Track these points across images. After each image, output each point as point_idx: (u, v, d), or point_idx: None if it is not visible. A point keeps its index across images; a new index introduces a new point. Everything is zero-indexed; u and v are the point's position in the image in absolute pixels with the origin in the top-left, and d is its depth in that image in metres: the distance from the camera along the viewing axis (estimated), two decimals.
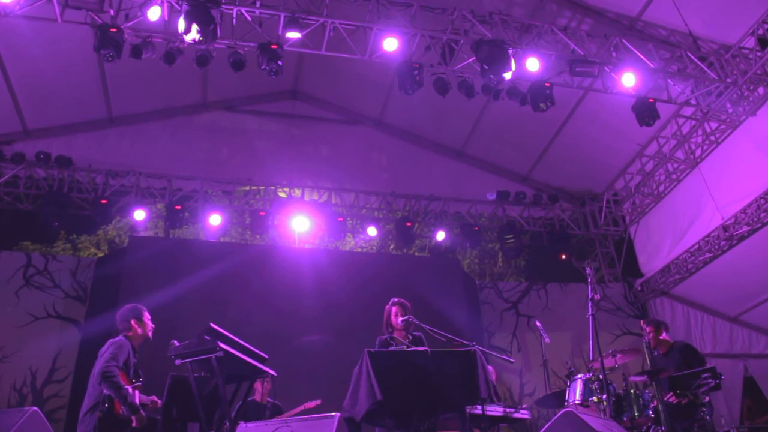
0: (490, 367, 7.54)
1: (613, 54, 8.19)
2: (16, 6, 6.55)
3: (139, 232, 13.30)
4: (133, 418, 4.58)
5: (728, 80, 8.32)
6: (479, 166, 11.78)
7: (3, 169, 9.50)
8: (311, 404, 7.05)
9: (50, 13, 6.72)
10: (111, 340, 4.96)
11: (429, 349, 4.68)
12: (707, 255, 9.66)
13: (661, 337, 6.38)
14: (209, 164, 10.67)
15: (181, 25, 6.54)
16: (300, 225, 10.37)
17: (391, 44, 7.43)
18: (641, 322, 6.62)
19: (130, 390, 4.70)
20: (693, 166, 9.76)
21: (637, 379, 5.80)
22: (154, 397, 4.97)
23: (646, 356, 5.47)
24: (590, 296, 5.50)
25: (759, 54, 8.09)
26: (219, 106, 11.07)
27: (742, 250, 9.21)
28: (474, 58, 7.61)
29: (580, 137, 10.47)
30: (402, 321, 5.43)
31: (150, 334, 5.21)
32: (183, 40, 6.83)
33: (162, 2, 6.75)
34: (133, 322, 5.11)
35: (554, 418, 4.16)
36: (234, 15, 7.13)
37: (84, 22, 6.96)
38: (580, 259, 11.04)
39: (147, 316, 5.23)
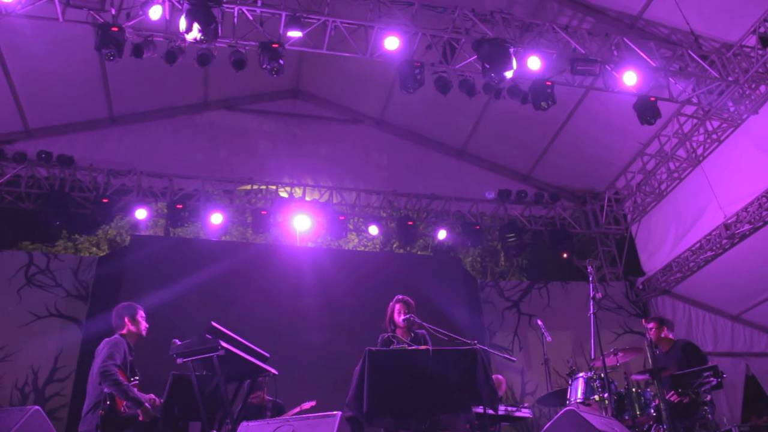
0: (500, 377, 7.55)
1: (615, 53, 8.18)
2: (18, 5, 6.56)
3: (141, 231, 13.30)
4: (139, 411, 4.59)
5: (730, 79, 8.31)
6: (480, 165, 11.78)
7: (4, 169, 9.51)
8: (307, 405, 7.04)
9: (51, 12, 6.73)
10: (107, 339, 4.96)
11: (430, 348, 4.67)
12: (709, 253, 9.66)
13: (662, 335, 6.37)
14: (210, 163, 10.68)
15: (183, 24, 6.55)
16: (301, 224, 10.38)
17: (392, 43, 7.44)
18: (643, 320, 6.61)
19: (130, 386, 4.70)
20: (695, 164, 9.75)
21: (639, 377, 5.80)
22: (153, 396, 4.97)
23: (648, 355, 5.46)
24: (591, 295, 5.50)
25: (760, 52, 8.07)
26: (220, 105, 11.08)
27: (743, 249, 9.21)
28: (475, 56, 7.61)
29: (581, 136, 10.47)
30: (404, 319, 5.42)
31: (144, 332, 5.19)
32: (184, 39, 6.83)
33: (163, 1, 6.75)
34: (126, 319, 5.11)
35: (556, 417, 4.16)
36: (235, 14, 7.14)
37: (85, 21, 6.97)
38: (582, 258, 11.04)
39: (141, 315, 5.22)
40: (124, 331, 5.08)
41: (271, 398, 7.13)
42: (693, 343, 6.46)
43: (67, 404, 8.38)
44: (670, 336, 6.43)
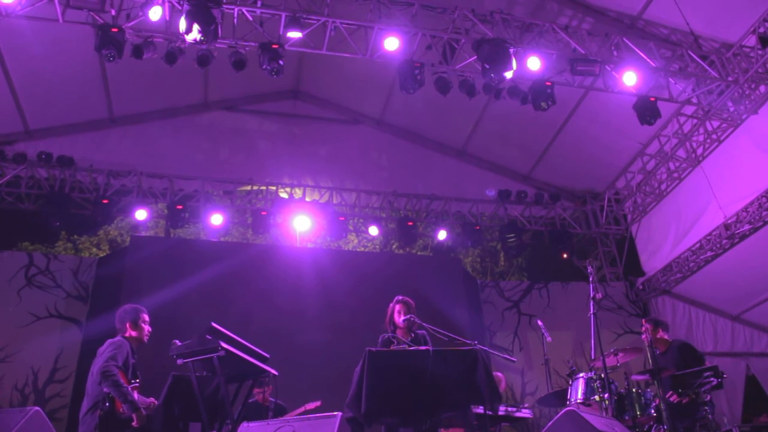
0: (500, 374, 7.56)
1: (614, 53, 8.19)
2: (18, 6, 6.56)
3: (141, 232, 13.29)
4: (134, 416, 4.57)
5: (729, 79, 8.31)
6: (480, 165, 11.78)
7: (5, 169, 9.51)
8: (311, 405, 7.04)
9: (51, 13, 6.73)
10: (110, 340, 4.94)
11: (431, 348, 4.67)
12: (709, 254, 9.66)
13: (658, 336, 6.38)
14: (210, 164, 10.68)
15: (182, 24, 6.54)
16: (301, 224, 10.38)
17: (392, 43, 7.44)
18: (643, 320, 6.62)
19: (130, 389, 4.69)
20: (695, 164, 9.75)
21: (639, 377, 5.81)
22: (153, 399, 4.96)
23: (648, 355, 5.47)
24: (592, 295, 5.50)
25: (760, 52, 8.07)
26: (220, 106, 11.08)
27: (743, 249, 9.21)
28: (475, 57, 7.61)
29: (581, 136, 10.47)
30: (404, 320, 5.41)
31: (145, 338, 5.13)
32: (184, 40, 6.83)
33: (163, 2, 6.75)
34: (128, 324, 5.06)
35: (556, 417, 4.17)
36: (235, 15, 7.14)
37: (85, 22, 6.97)
38: (582, 258, 11.04)
39: (145, 319, 5.15)
40: (126, 335, 5.05)
41: (273, 399, 7.12)
42: (689, 344, 6.47)
43: (67, 405, 8.37)
44: (666, 337, 6.44)
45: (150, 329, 5.20)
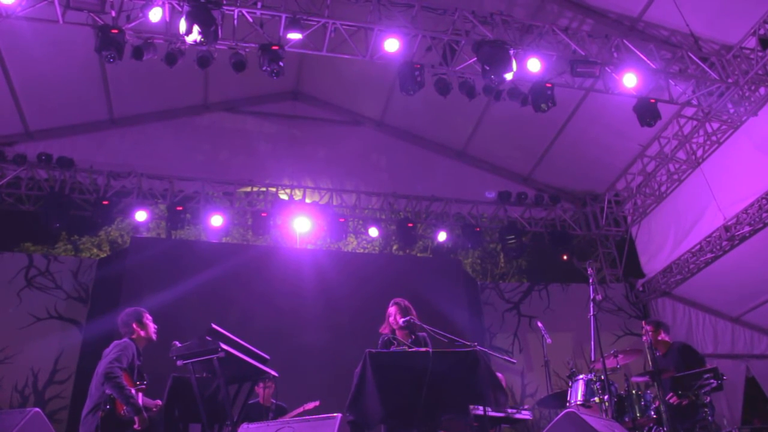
0: (500, 374, 7.57)
1: (614, 54, 8.18)
2: (18, 7, 6.56)
3: (141, 233, 13.31)
4: (136, 419, 4.58)
5: (729, 80, 8.31)
6: (480, 166, 11.77)
7: (5, 171, 9.51)
8: (310, 405, 7.04)
9: (51, 14, 6.74)
10: (116, 341, 4.96)
11: (430, 350, 4.67)
12: (709, 255, 9.65)
13: (659, 338, 6.38)
14: (210, 165, 10.68)
15: (183, 26, 6.55)
16: (301, 226, 10.38)
17: (392, 45, 7.44)
18: (642, 322, 6.62)
19: (133, 391, 4.69)
20: (695, 166, 9.75)
21: (639, 379, 5.80)
22: (159, 402, 4.96)
23: (648, 357, 5.46)
24: (592, 297, 5.49)
25: (760, 54, 8.08)
26: (220, 107, 11.08)
27: (743, 251, 9.20)
28: (475, 58, 7.61)
29: (581, 138, 10.47)
30: (404, 321, 5.42)
31: (153, 335, 5.20)
32: (184, 41, 6.84)
33: (163, 3, 6.75)
34: (134, 325, 5.10)
35: (556, 419, 4.16)
36: (235, 16, 7.14)
37: (85, 24, 6.97)
38: (582, 260, 11.02)
39: (148, 318, 5.22)
40: (134, 336, 5.08)
41: (274, 401, 7.13)
42: (689, 345, 6.47)
43: (67, 406, 8.37)
44: (667, 339, 6.44)
45: (156, 327, 5.25)
